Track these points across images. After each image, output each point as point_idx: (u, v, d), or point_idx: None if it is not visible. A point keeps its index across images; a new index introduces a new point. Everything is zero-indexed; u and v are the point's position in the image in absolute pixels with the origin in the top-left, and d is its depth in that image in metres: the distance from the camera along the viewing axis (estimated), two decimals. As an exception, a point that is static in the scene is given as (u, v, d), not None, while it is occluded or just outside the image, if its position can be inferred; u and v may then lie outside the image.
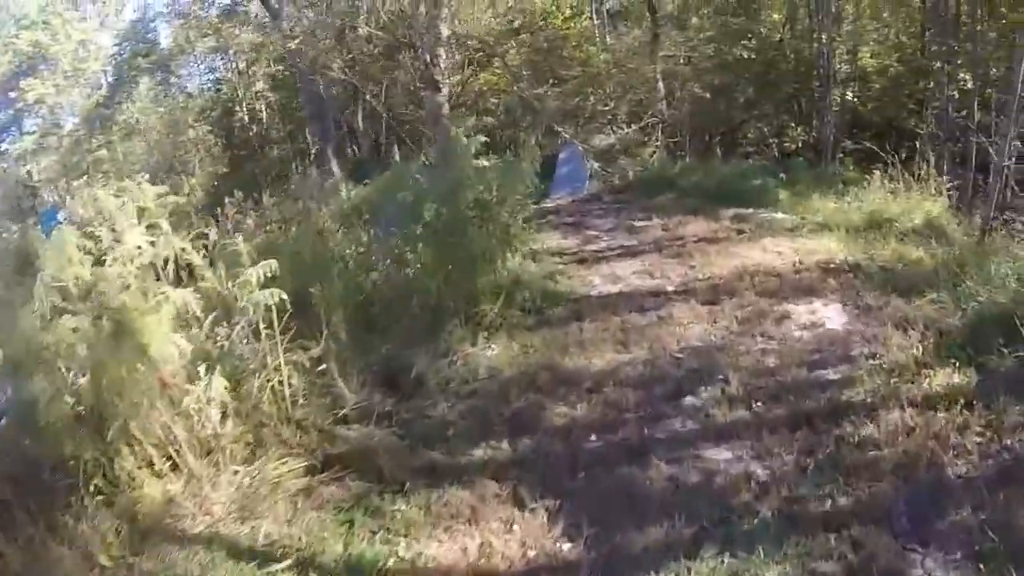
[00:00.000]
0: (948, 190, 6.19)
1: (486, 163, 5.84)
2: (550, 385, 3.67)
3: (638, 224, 6.97)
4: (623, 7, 17.20)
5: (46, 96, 16.37)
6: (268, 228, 7.48)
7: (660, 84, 12.15)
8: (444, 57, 8.88)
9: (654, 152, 10.34)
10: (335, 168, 13.27)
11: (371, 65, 14.55)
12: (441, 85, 8.97)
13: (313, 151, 15.46)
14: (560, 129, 12.22)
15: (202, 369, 2.94)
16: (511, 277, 4.96)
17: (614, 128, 11.76)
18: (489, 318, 4.45)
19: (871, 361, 3.45)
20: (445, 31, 9.14)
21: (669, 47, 12.88)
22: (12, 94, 17.88)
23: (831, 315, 4.12)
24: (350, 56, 13.72)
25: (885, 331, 3.71)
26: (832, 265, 4.90)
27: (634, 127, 11.38)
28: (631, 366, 3.79)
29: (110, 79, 18.58)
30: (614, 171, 9.94)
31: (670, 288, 4.88)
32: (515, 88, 16.05)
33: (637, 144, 10.93)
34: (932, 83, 10.41)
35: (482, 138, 5.70)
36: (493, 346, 4.25)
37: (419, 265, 4.91)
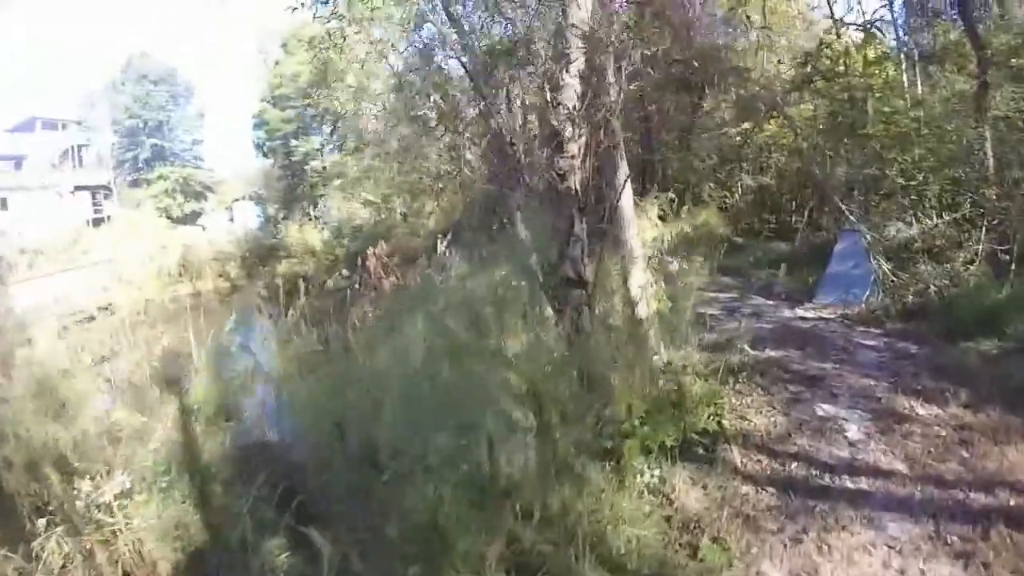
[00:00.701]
0: None
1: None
2: None
3: (919, 412, 4.56)
4: (937, 49, 13.97)
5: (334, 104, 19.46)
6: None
7: (989, 155, 9.52)
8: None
9: (972, 261, 8.01)
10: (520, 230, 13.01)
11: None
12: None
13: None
14: (843, 206, 10.35)
15: None
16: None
17: (918, 215, 9.53)
18: None
19: None
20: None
21: (1002, 102, 10.02)
22: (307, 101, 21.87)
23: None
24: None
25: None
26: None
27: (947, 217, 9.04)
28: None
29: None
30: (909, 281, 7.96)
31: None
32: (799, 145, 14.26)
33: (949, 244, 8.64)
34: None
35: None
36: None
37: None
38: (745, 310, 8.59)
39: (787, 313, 8.24)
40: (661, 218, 16.71)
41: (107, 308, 9.79)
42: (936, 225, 9.01)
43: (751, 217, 17.79)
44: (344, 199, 23.80)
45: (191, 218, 36.93)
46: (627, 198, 5.84)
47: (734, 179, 17.26)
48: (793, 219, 16.60)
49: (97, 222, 32.22)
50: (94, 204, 34.60)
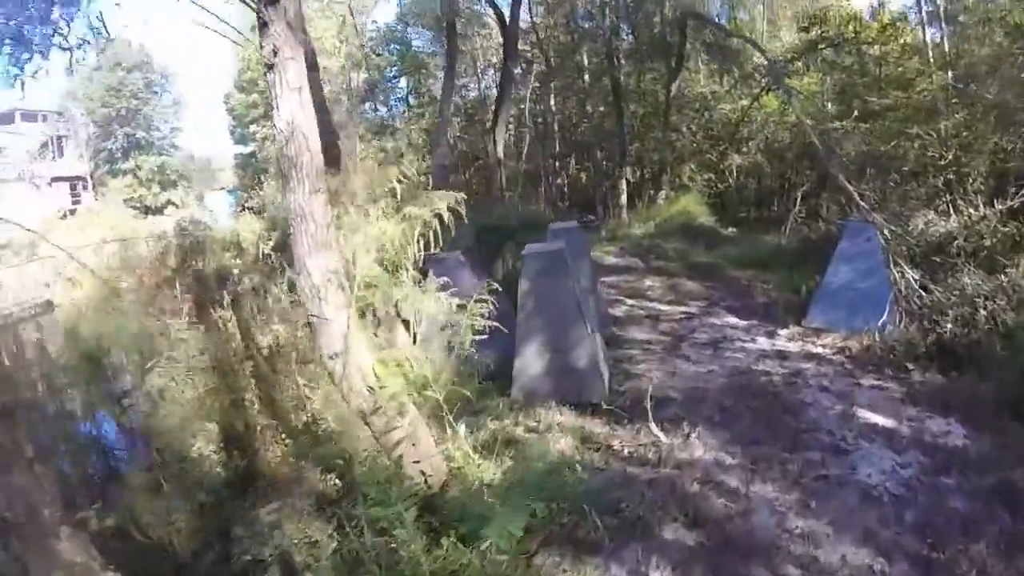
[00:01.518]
0: None
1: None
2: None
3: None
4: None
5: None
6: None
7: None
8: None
9: (1042, 271, 5.29)
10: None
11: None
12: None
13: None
14: (851, 187, 7.62)
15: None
16: None
17: (956, 202, 6.80)
18: None
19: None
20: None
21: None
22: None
23: None
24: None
25: None
26: None
27: (998, 206, 6.32)
28: None
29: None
30: (946, 299, 5.26)
31: None
32: (802, 121, 11.49)
33: (1003, 244, 5.93)
34: None
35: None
36: None
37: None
38: (700, 335, 5.92)
39: (760, 344, 5.56)
40: (629, 206, 14.04)
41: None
42: (984, 217, 6.29)
43: (742, 205, 15.03)
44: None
45: (166, 208, 35.33)
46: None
47: (726, 162, 14.44)
48: (795, 207, 13.88)
49: (73, 213, 30.98)
50: (72, 195, 33.56)
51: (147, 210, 33.60)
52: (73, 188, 33.91)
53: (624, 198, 13.72)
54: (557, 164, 16.65)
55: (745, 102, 14.09)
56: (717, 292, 7.75)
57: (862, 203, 7.12)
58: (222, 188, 39.11)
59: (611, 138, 14.60)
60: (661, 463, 3.47)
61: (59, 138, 36.38)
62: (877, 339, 5.13)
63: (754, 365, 4.95)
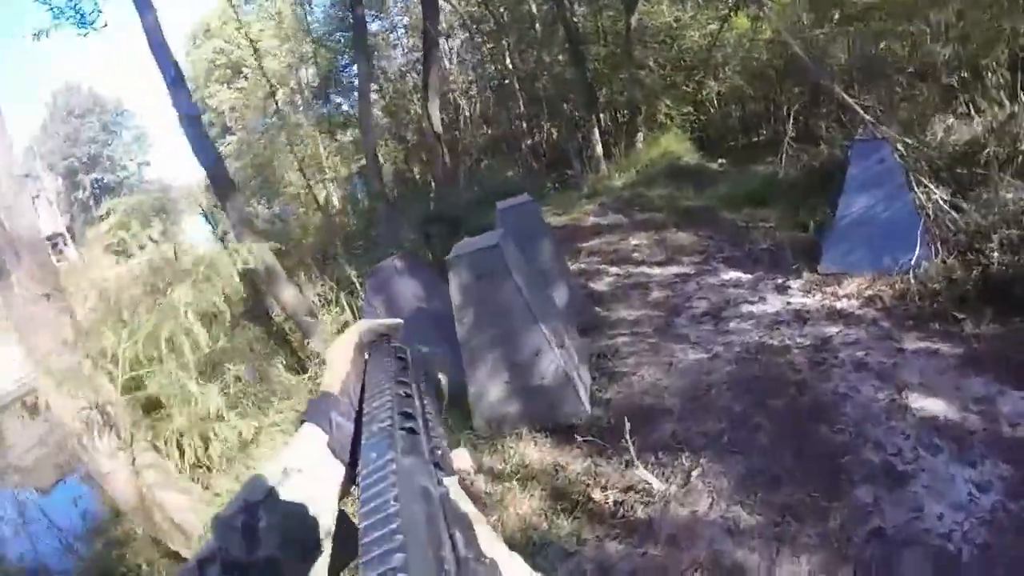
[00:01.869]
0: None
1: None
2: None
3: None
4: None
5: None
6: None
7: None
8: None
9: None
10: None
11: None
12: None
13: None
14: (853, 101, 6.65)
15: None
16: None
17: (975, 103, 5.81)
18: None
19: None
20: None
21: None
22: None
23: None
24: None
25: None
26: None
27: (1027, 97, 5.35)
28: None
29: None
30: (987, 223, 4.35)
31: None
32: (780, 34, 10.36)
33: (1044, 142, 4.99)
34: None
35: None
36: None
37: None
38: (697, 303, 5.03)
39: (771, 304, 4.68)
40: (605, 156, 12.98)
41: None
42: (1012, 115, 5.32)
43: (728, 135, 13.97)
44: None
45: (144, 247, 34.53)
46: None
47: (703, 91, 13.30)
48: (782, 131, 12.82)
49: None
50: (55, 254, 32.61)
51: (130, 252, 33.06)
52: (55, 246, 32.78)
53: (599, 148, 12.67)
54: (525, 124, 15.53)
55: (714, 26, 12.89)
56: (713, 241, 6.84)
57: (867, 116, 6.15)
58: (201, 213, 38.69)
59: (576, 86, 13.47)
60: (652, 533, 2.59)
61: (32, 199, 36.06)
62: (912, 281, 4.25)
63: (767, 338, 4.07)
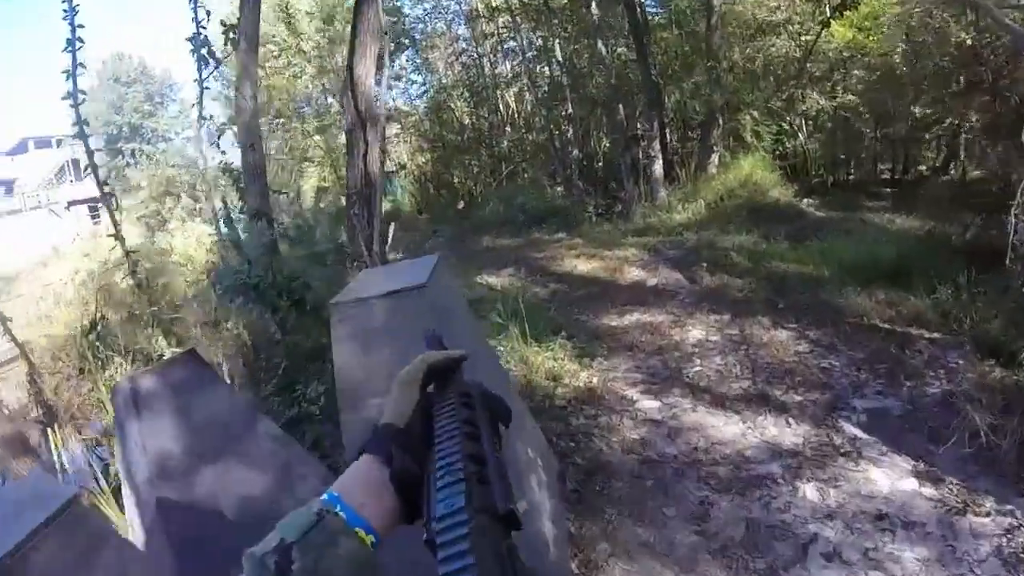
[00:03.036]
0: None
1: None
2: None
3: None
4: None
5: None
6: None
7: None
8: None
9: None
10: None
11: None
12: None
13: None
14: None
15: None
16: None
17: None
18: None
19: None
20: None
21: None
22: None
23: None
24: None
25: None
26: None
27: None
28: None
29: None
30: None
31: None
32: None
33: None
34: None
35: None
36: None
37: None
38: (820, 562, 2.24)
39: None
40: (667, 179, 10.06)
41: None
42: None
43: (826, 166, 10.79)
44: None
45: (170, 223, 34.41)
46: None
47: (793, 108, 10.13)
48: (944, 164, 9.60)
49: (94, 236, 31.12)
50: (92, 218, 32.06)
51: (160, 226, 33.17)
52: (93, 210, 32.59)
53: (659, 167, 9.80)
54: (570, 131, 12.77)
55: (810, 37, 9.76)
56: (837, 360, 3.97)
57: None
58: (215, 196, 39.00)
59: (637, 86, 10.64)
60: None
61: (75, 161, 35.37)
62: None
63: None
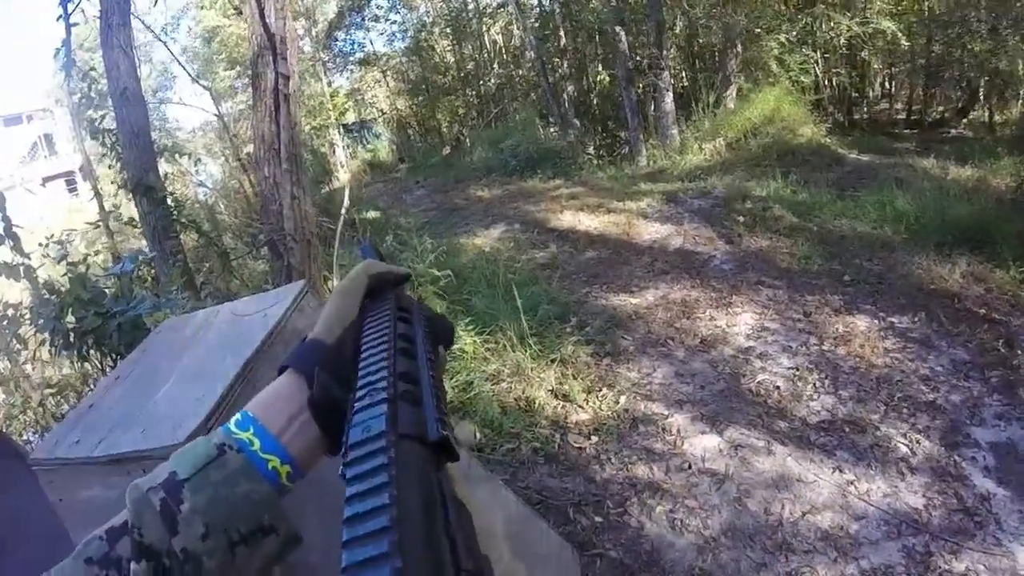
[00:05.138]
0: None
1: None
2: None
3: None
4: None
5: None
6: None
7: None
8: None
9: None
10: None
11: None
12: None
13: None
14: None
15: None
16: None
17: None
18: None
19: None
20: None
21: None
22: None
23: None
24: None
25: None
26: None
27: None
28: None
29: None
30: None
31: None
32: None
33: None
34: None
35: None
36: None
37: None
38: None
39: None
40: (680, 115, 8.92)
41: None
42: None
43: (843, 103, 9.69)
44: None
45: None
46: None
47: (815, 32, 8.87)
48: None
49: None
50: (69, 190, 31.28)
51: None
52: (69, 183, 31.91)
53: (669, 101, 8.65)
54: (564, 64, 11.48)
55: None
56: (935, 360, 3.09)
57: None
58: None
59: (642, 11, 9.35)
60: None
61: (47, 136, 34.78)
62: None
63: None
